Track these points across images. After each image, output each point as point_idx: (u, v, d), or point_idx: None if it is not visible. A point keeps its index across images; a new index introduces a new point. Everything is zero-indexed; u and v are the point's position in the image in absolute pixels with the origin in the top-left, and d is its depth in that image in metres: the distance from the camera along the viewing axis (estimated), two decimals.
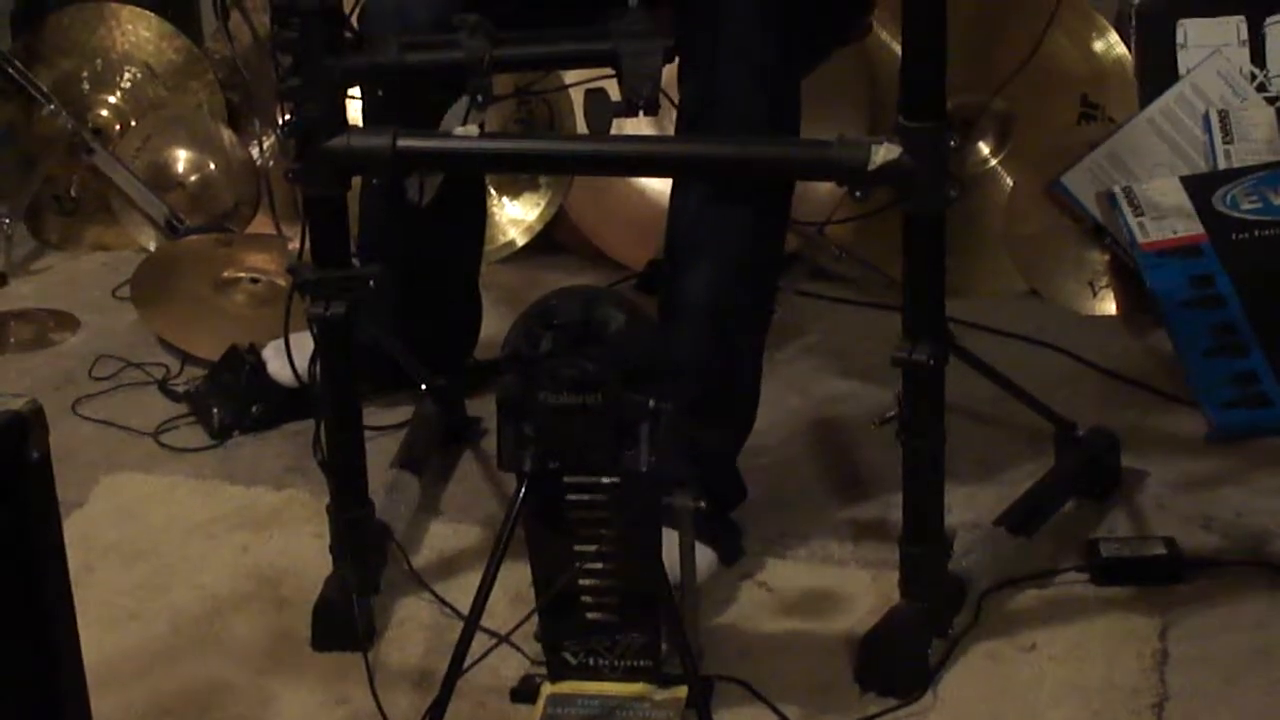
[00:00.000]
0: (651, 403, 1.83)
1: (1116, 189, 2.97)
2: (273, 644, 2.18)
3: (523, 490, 1.88)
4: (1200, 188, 2.93)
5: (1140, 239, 2.89)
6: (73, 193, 3.44)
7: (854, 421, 2.64)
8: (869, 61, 3.08)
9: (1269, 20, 3.09)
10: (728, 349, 2.27)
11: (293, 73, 2.05)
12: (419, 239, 2.53)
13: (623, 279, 3.09)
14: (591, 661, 1.99)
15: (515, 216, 3.27)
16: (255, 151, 3.41)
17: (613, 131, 2.08)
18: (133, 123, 3.44)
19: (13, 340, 3.05)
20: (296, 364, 2.23)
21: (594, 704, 1.97)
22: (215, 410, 2.70)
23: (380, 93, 2.40)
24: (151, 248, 3.32)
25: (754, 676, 2.05)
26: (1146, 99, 3.07)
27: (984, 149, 3.17)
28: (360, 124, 2.37)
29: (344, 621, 2.12)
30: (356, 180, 2.28)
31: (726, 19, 2.16)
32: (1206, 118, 3.03)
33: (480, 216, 2.76)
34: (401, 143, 2.05)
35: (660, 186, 3.03)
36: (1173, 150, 3.03)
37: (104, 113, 3.46)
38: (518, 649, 2.06)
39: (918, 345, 2.00)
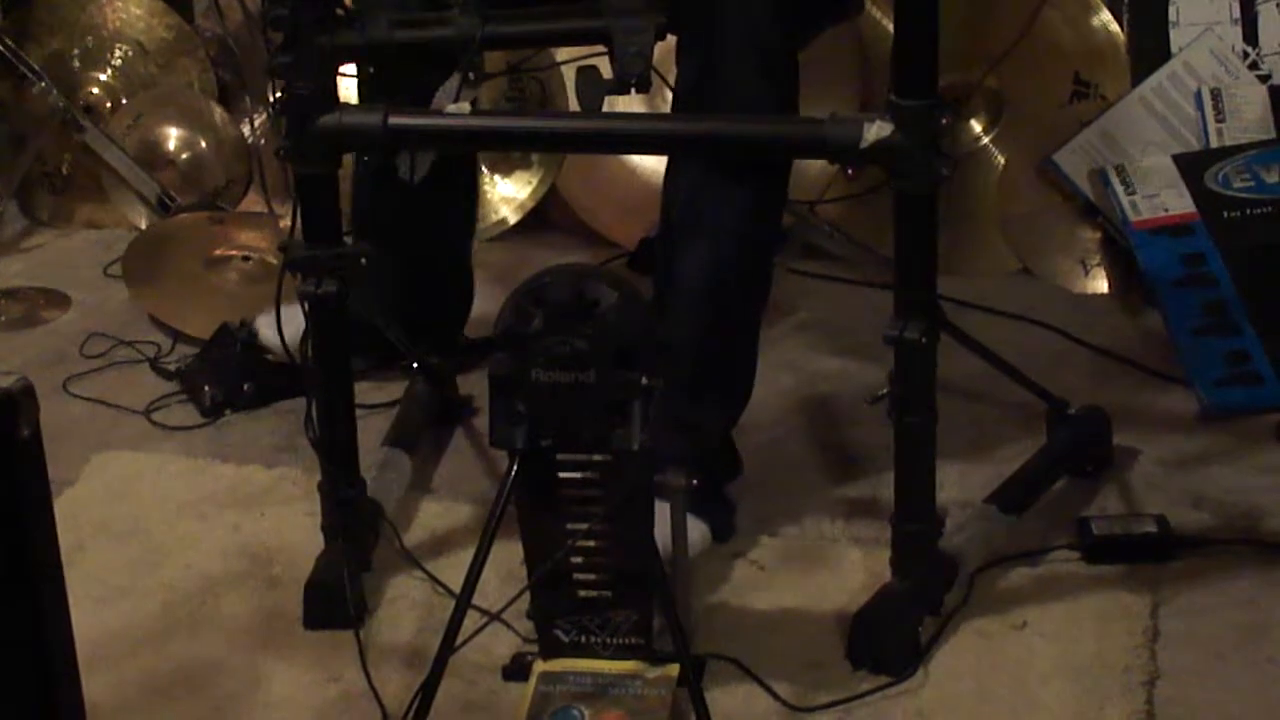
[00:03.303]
0: (643, 380, 1.83)
1: (1108, 167, 2.97)
2: (264, 622, 2.18)
3: (514, 468, 1.88)
4: (1192, 166, 2.93)
5: (1132, 217, 2.89)
6: (64, 170, 3.43)
7: (846, 400, 2.64)
8: (861, 39, 3.08)
9: None
10: (724, 327, 2.27)
11: (284, 50, 2.05)
12: (410, 216, 2.53)
13: (614, 257, 3.09)
14: (583, 639, 1.99)
15: (507, 194, 3.26)
16: (246, 129, 3.40)
17: (604, 109, 2.08)
18: (123, 100, 3.43)
19: (3, 318, 3.04)
20: (287, 336, 2.24)
21: (586, 681, 1.97)
22: (206, 388, 2.69)
23: (371, 70, 2.40)
24: (143, 226, 3.31)
25: (746, 654, 2.05)
26: (1138, 77, 3.07)
27: (976, 127, 3.16)
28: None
29: (336, 600, 2.12)
30: (349, 158, 2.27)
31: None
32: (1199, 96, 3.02)
33: (472, 193, 2.76)
34: (393, 120, 2.05)
35: (652, 165, 3.03)
36: (1165, 128, 3.03)
37: (95, 90, 3.45)
38: (509, 627, 2.06)
39: (909, 323, 2.00)
